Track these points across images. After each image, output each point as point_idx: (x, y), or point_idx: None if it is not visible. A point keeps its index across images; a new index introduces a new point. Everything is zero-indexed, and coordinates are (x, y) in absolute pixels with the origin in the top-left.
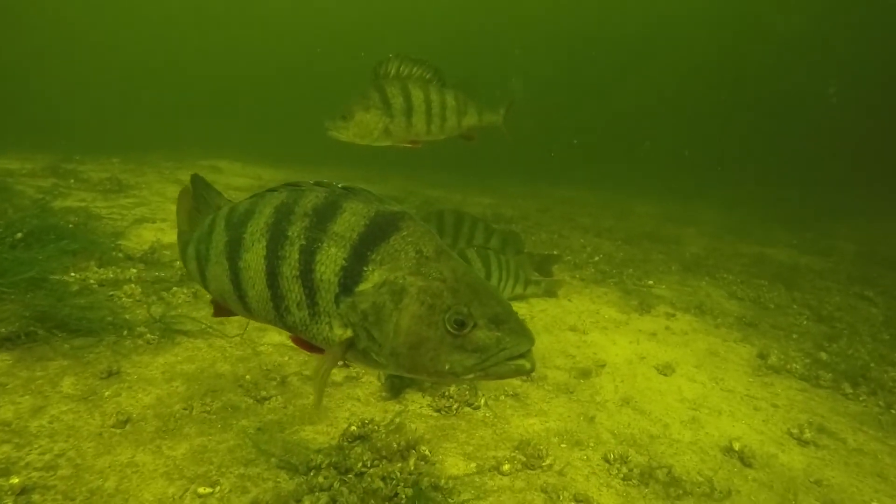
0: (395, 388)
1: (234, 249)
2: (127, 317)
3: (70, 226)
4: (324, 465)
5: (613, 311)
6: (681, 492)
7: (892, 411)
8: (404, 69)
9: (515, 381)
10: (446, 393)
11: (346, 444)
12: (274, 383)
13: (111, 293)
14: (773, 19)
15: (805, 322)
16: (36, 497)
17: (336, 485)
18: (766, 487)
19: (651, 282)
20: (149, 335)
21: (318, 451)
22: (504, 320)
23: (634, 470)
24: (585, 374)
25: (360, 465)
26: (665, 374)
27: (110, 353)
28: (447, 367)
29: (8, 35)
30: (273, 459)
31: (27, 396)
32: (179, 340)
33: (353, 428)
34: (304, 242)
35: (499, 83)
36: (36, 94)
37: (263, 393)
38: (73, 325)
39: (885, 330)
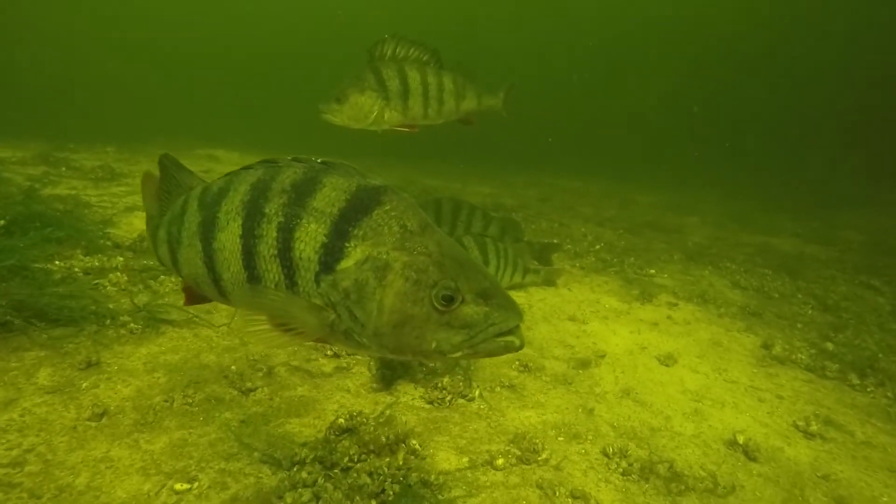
0: (387, 379)
1: (208, 230)
2: (111, 306)
3: (57, 213)
4: (308, 460)
5: (614, 300)
6: (683, 487)
7: None
8: (401, 51)
9: (512, 372)
10: (439, 384)
11: (333, 437)
12: (260, 374)
13: (96, 282)
14: (779, 6)
15: (810, 312)
16: None
17: (320, 480)
18: (772, 482)
19: (653, 271)
20: (132, 325)
21: (304, 445)
22: (492, 295)
23: (634, 464)
24: (584, 364)
25: (346, 459)
26: (667, 365)
27: (91, 344)
28: (433, 345)
29: (6, 24)
30: (256, 454)
31: None
32: (164, 330)
33: (341, 420)
34: (282, 220)
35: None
36: (33, 84)
37: (249, 384)
38: (53, 315)
39: (893, 320)
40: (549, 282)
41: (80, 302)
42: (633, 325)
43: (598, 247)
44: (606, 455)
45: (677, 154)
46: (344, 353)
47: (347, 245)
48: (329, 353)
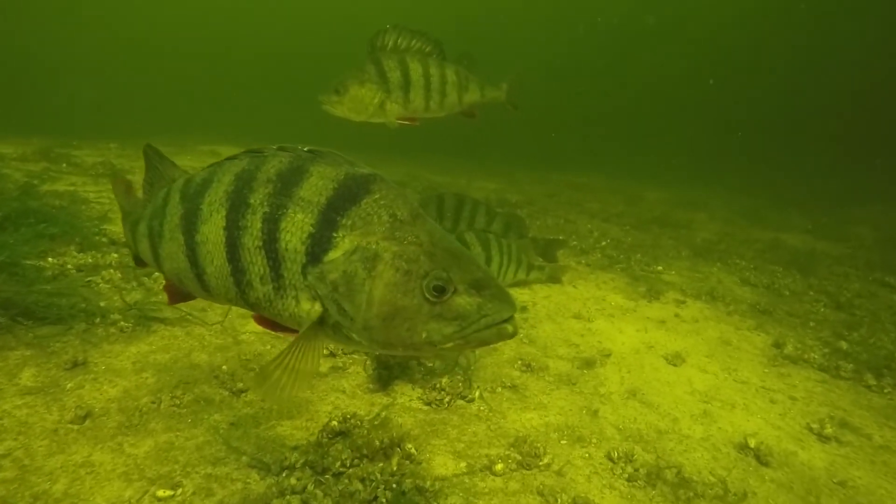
0: (383, 379)
1: (191, 222)
2: (102, 304)
3: (53, 210)
4: (298, 465)
5: (620, 297)
6: (691, 494)
7: None
8: (402, 41)
9: (514, 372)
10: (438, 385)
11: (325, 440)
12: (252, 374)
13: (88, 279)
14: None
15: (822, 309)
16: None
17: (310, 487)
18: (786, 489)
19: (660, 267)
20: (123, 323)
21: (295, 449)
22: (485, 285)
23: (640, 470)
24: (589, 364)
25: (338, 464)
26: (674, 365)
27: (79, 343)
28: (424, 336)
29: (13, 21)
30: (244, 458)
31: None
32: (156, 328)
33: (334, 423)
34: (267, 210)
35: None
36: (39, 81)
37: (240, 385)
38: (41, 313)
39: None
40: (554, 279)
41: (70, 300)
42: (640, 323)
43: (604, 243)
44: (611, 459)
45: (686, 149)
46: (340, 352)
47: (335, 235)
48: (325, 351)
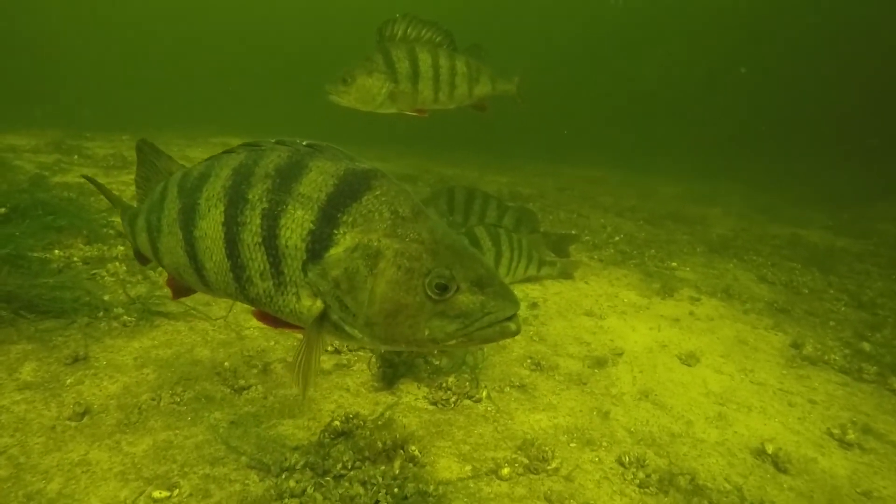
0: (388, 377)
1: (189, 217)
2: (106, 297)
3: (61, 201)
4: (299, 466)
5: (633, 294)
6: (705, 502)
7: None
8: (412, 31)
9: (523, 371)
10: (444, 384)
11: (327, 440)
12: (255, 371)
13: (94, 272)
14: None
15: (843, 308)
16: None
17: (310, 490)
18: (805, 498)
19: (674, 264)
20: (126, 317)
21: (296, 449)
22: (488, 283)
23: (652, 475)
24: (601, 363)
25: (339, 466)
26: (688, 365)
27: (81, 337)
28: (427, 333)
29: (28, 15)
30: (244, 458)
31: None
32: (159, 323)
33: (337, 423)
34: (266, 206)
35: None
36: (55, 73)
37: (242, 382)
38: (44, 307)
39: None
40: (566, 274)
41: (74, 293)
42: (653, 321)
43: (617, 238)
44: (622, 464)
45: (700, 143)
46: (345, 349)
47: (336, 232)
48: (329, 348)
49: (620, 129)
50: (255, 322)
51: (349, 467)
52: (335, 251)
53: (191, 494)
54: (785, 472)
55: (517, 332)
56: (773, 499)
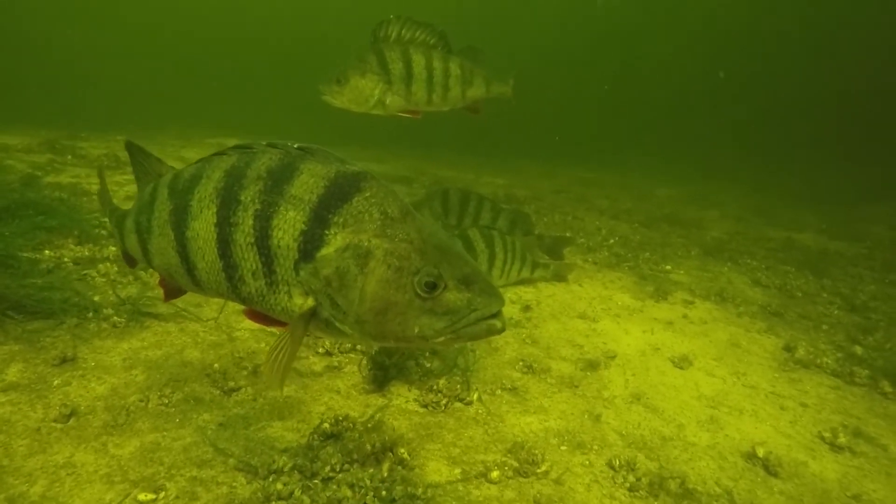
0: (379, 380)
1: (181, 218)
2: (96, 298)
3: (53, 202)
4: (287, 469)
5: (627, 297)
6: None
7: None
8: (406, 33)
9: (515, 373)
10: (435, 386)
11: (316, 443)
12: (245, 373)
13: (84, 272)
14: None
15: (836, 312)
16: None
17: (297, 492)
18: (795, 502)
19: (669, 267)
20: (115, 318)
21: (284, 452)
22: (474, 281)
23: (643, 479)
24: (593, 366)
25: (328, 469)
26: (681, 368)
27: (69, 338)
28: (416, 330)
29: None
30: (232, 460)
31: None
32: (149, 324)
33: (326, 425)
34: (258, 207)
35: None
36: (52, 74)
37: (232, 384)
38: (33, 307)
39: None
40: (560, 277)
41: (63, 293)
42: (647, 324)
43: (612, 241)
44: (612, 468)
45: (696, 146)
46: (337, 351)
47: (327, 232)
48: (321, 350)
49: (617, 130)
50: (246, 323)
51: (337, 470)
52: (326, 251)
53: (177, 497)
54: (775, 475)
55: (503, 330)
56: (763, 502)
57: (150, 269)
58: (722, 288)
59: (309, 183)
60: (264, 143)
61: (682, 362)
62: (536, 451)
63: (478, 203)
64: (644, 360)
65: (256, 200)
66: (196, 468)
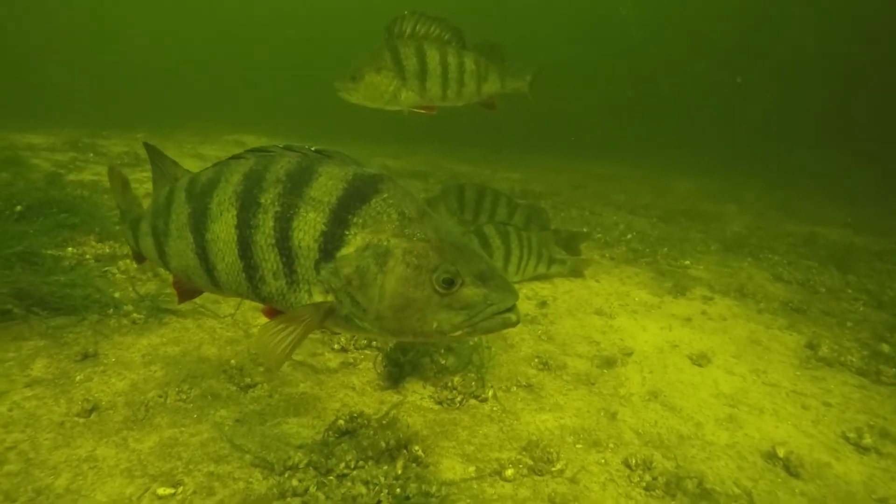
0: (394, 376)
1: (200, 221)
2: (116, 294)
3: (75, 199)
4: (302, 465)
5: (645, 293)
6: None
7: None
8: (421, 28)
9: (530, 370)
10: (450, 383)
11: (331, 439)
12: (261, 369)
13: (105, 269)
14: None
15: (862, 308)
16: None
17: (312, 489)
18: (818, 503)
19: (687, 262)
20: (135, 314)
21: (300, 448)
22: (490, 277)
23: (659, 478)
24: (610, 363)
25: (342, 465)
26: (699, 365)
27: (91, 334)
28: (434, 325)
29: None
30: (248, 456)
31: None
32: (168, 320)
33: (341, 422)
34: (279, 209)
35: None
36: (75, 72)
37: (248, 380)
38: (56, 303)
39: None
40: (576, 273)
41: (85, 290)
42: (665, 320)
43: (629, 236)
44: (629, 466)
45: (716, 139)
46: (352, 347)
47: (347, 233)
48: (336, 346)
49: (636, 125)
50: (262, 319)
51: (352, 466)
52: (347, 251)
53: (195, 492)
54: (797, 476)
55: (517, 323)
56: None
57: None
58: (742, 283)
59: (328, 185)
60: (281, 146)
61: (700, 359)
62: (551, 449)
63: (494, 199)
64: (662, 358)
65: (276, 203)
66: (213, 464)
